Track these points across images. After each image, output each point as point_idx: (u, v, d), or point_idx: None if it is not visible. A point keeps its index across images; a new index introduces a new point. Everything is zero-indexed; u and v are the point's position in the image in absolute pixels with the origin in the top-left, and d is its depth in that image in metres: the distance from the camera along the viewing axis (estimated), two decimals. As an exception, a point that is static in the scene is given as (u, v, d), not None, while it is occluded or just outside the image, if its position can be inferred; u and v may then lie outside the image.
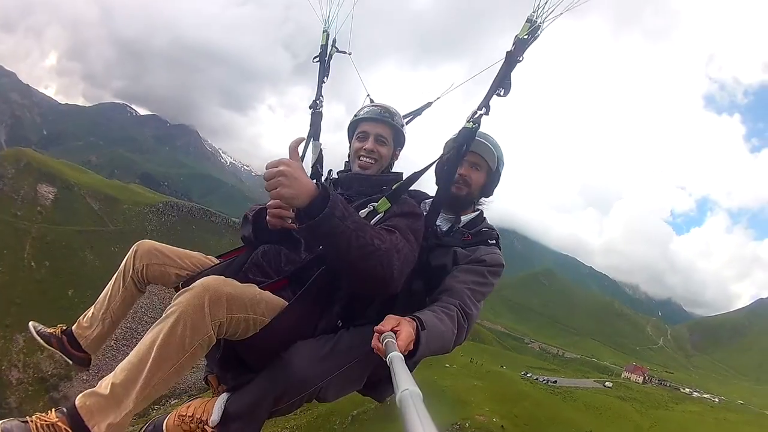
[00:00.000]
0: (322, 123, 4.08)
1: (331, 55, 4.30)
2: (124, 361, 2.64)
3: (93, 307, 3.55)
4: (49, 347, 3.46)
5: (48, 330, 3.52)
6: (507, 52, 3.17)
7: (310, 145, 4.01)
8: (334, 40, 4.30)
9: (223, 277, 2.86)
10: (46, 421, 2.51)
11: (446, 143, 3.59)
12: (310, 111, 4.13)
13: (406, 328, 2.63)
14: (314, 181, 2.79)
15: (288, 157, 2.64)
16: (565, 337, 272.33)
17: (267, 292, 2.99)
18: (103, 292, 3.54)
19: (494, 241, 3.60)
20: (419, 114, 4.08)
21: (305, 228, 2.68)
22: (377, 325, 2.76)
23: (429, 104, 4.01)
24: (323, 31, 4.29)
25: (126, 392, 2.58)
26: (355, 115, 3.67)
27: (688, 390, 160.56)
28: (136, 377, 2.57)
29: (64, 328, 3.54)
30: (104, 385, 2.59)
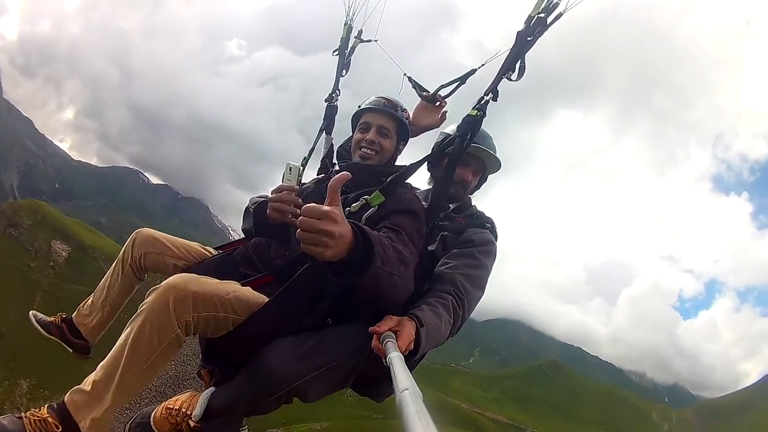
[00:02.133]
0: (336, 117, 4.07)
1: (353, 48, 4.28)
2: (105, 359, 2.73)
3: (92, 295, 3.64)
4: (50, 335, 3.55)
5: (48, 319, 3.62)
6: (518, 31, 3.04)
7: (322, 138, 4.02)
8: (360, 32, 4.28)
9: (193, 274, 2.84)
10: (38, 416, 2.62)
11: (441, 133, 3.66)
12: (325, 103, 4.10)
13: (407, 327, 2.60)
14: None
15: (329, 200, 2.16)
16: (568, 427, 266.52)
17: (245, 289, 2.91)
18: (103, 279, 3.63)
19: (490, 226, 3.65)
20: (464, 82, 3.80)
21: (343, 281, 2.41)
22: (368, 321, 2.75)
23: (473, 71, 3.73)
24: (344, 24, 4.27)
25: (105, 389, 2.64)
26: (359, 106, 3.57)
27: None
28: (112, 375, 2.63)
29: (64, 316, 3.64)
30: (87, 382, 2.68)
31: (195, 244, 3.71)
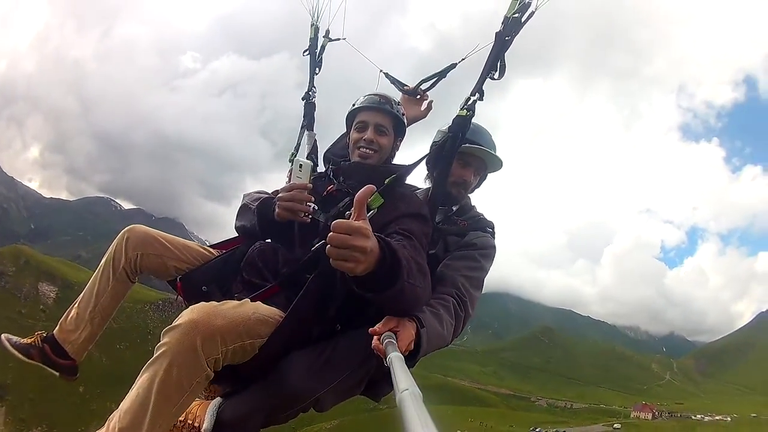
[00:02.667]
0: (316, 114, 4.14)
1: (323, 47, 4.33)
2: (127, 403, 2.55)
3: (75, 306, 3.31)
4: (30, 360, 3.18)
5: (25, 341, 3.24)
6: (496, 32, 3.12)
7: (305, 136, 4.05)
8: (327, 31, 4.34)
9: (212, 303, 2.68)
10: None
11: (439, 131, 3.64)
12: (303, 102, 4.15)
13: (407, 328, 2.59)
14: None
15: (357, 214, 2.18)
16: (571, 390, 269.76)
17: (261, 306, 2.83)
18: (87, 287, 3.32)
19: (491, 230, 3.66)
20: (444, 76, 3.97)
21: (370, 296, 2.44)
22: (374, 324, 2.73)
23: (453, 65, 3.87)
24: (311, 25, 4.32)
25: None
26: (353, 104, 3.51)
27: (699, 416, 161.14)
28: (141, 421, 2.49)
29: (44, 335, 3.28)
30: (111, 427, 2.54)
31: (193, 244, 3.46)
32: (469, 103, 3.12)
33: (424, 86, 4.05)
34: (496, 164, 3.72)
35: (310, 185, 3.16)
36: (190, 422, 2.87)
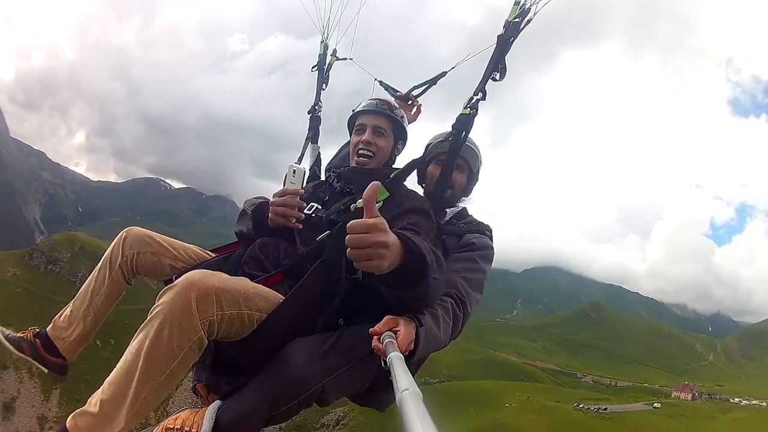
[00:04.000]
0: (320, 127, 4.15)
1: (330, 65, 4.38)
2: (112, 374, 2.46)
3: (71, 304, 3.19)
4: (20, 354, 3.05)
5: (18, 334, 3.12)
6: (498, 35, 3.16)
7: (309, 148, 4.06)
8: (335, 50, 4.41)
9: (210, 270, 2.64)
10: None
11: (430, 142, 3.70)
12: (308, 115, 4.18)
13: (406, 327, 2.56)
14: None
15: (368, 212, 2.13)
16: (616, 367, 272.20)
17: (261, 286, 2.79)
18: (84, 286, 3.21)
19: (488, 233, 3.67)
20: (434, 83, 4.03)
21: (399, 293, 2.49)
22: (379, 319, 2.71)
23: (444, 73, 3.90)
24: (321, 42, 4.37)
25: (116, 408, 2.41)
26: (353, 109, 3.59)
27: (737, 399, 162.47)
28: (125, 391, 2.39)
29: (37, 330, 3.16)
30: (93, 402, 2.43)
31: (193, 247, 3.44)
32: (473, 102, 3.16)
33: (415, 92, 4.15)
34: (473, 156, 3.74)
35: (302, 191, 3.29)
36: (187, 429, 2.72)
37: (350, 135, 3.64)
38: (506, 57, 3.13)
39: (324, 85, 4.33)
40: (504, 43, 3.11)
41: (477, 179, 3.85)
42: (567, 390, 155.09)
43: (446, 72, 3.93)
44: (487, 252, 3.50)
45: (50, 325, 3.19)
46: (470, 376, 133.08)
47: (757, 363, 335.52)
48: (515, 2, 3.12)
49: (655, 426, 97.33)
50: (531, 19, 3.10)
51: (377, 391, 3.12)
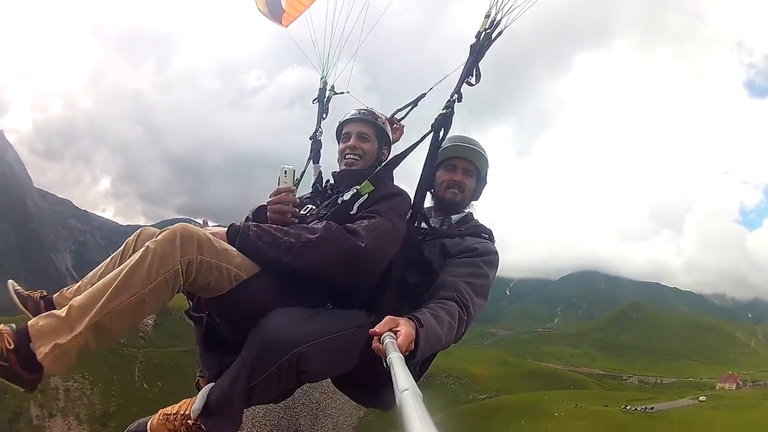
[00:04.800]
0: (321, 150, 4.35)
1: (329, 98, 4.66)
2: (90, 287, 2.61)
3: (80, 281, 3.31)
4: (24, 309, 3.14)
5: (26, 291, 3.24)
6: (471, 44, 3.43)
7: (311, 167, 4.28)
8: (333, 86, 4.69)
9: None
10: None
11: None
12: (310, 140, 4.41)
13: (406, 328, 2.61)
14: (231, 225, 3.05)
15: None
16: (661, 365, 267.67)
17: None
18: (93, 270, 3.39)
19: (487, 236, 3.73)
20: (416, 105, 4.22)
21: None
22: (369, 307, 3.01)
23: (423, 95, 4.04)
24: (321, 78, 4.68)
25: (81, 314, 2.48)
26: (339, 121, 3.83)
27: None
28: (95, 301, 2.48)
29: (45, 294, 3.29)
30: (64, 307, 2.52)
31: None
32: (450, 102, 3.38)
33: (399, 116, 4.32)
34: (482, 161, 3.89)
35: (294, 188, 3.47)
36: (183, 412, 2.86)
37: (338, 143, 3.86)
38: (480, 63, 3.45)
39: (324, 114, 4.61)
40: (476, 51, 3.43)
41: (485, 183, 4.00)
42: (614, 393, 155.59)
43: (425, 94, 4.13)
44: (491, 257, 3.60)
45: (57, 293, 3.29)
46: (517, 389, 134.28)
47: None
48: (486, 15, 3.43)
49: (701, 420, 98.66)
50: (502, 32, 3.41)
51: (379, 387, 3.23)
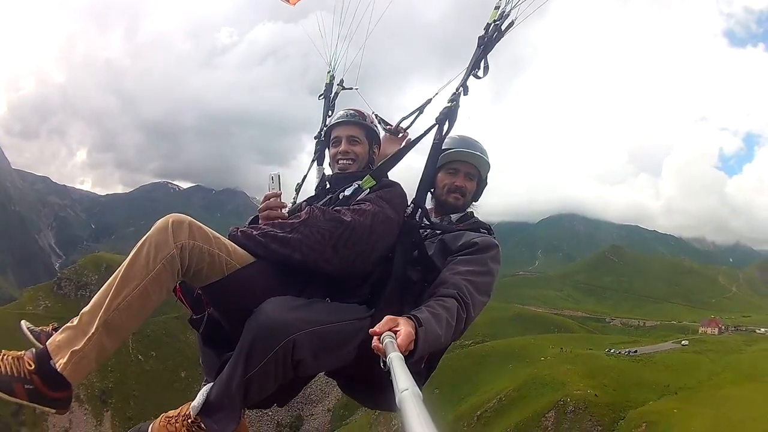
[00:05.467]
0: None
1: (337, 94, 4.59)
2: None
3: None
4: (39, 343, 3.09)
5: (38, 328, 3.32)
6: (479, 36, 3.33)
7: (314, 169, 4.31)
8: (341, 80, 4.60)
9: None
10: (14, 355, 2.50)
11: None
12: (314, 140, 4.41)
13: (406, 327, 2.58)
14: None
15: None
16: (643, 307, 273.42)
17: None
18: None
19: (486, 231, 3.69)
20: (422, 112, 3.96)
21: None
22: (369, 302, 2.98)
23: (429, 101, 3.85)
24: (328, 73, 4.62)
25: (91, 317, 2.53)
26: (327, 123, 3.86)
27: (763, 330, 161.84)
28: (101, 302, 2.54)
29: (56, 326, 3.08)
30: (76, 318, 2.59)
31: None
32: (455, 95, 3.32)
33: (404, 124, 4.12)
34: (483, 165, 3.86)
35: (281, 192, 3.44)
36: (184, 413, 2.89)
37: (329, 147, 3.83)
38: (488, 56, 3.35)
39: (330, 112, 4.51)
40: (485, 43, 3.32)
41: (486, 185, 3.98)
42: (598, 336, 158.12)
43: (431, 99, 3.89)
44: (493, 252, 3.52)
45: (68, 323, 3.06)
46: (504, 333, 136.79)
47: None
48: (495, 6, 3.33)
49: (684, 363, 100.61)
50: (513, 23, 3.29)
51: (386, 391, 2.81)
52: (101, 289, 2.65)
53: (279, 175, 3.55)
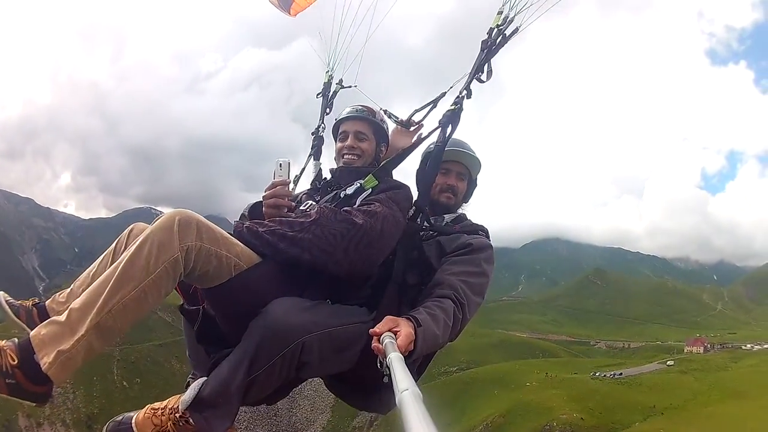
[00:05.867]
0: (323, 147, 4.27)
1: (335, 93, 4.55)
2: (90, 286, 2.50)
3: (72, 285, 3.20)
4: (17, 319, 2.99)
5: (18, 301, 3.09)
6: (482, 40, 3.32)
7: (311, 164, 4.27)
8: (341, 80, 4.56)
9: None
10: None
11: (427, 150, 3.57)
12: (312, 135, 4.36)
13: (406, 328, 2.59)
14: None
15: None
16: (627, 329, 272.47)
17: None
18: (86, 270, 3.23)
19: (483, 233, 3.68)
20: (435, 106, 3.93)
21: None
22: (369, 304, 2.98)
23: (443, 94, 3.78)
24: (326, 72, 4.60)
25: (82, 316, 2.38)
26: (336, 118, 3.75)
27: (749, 345, 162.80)
28: (94, 300, 2.39)
29: (37, 301, 3.15)
30: (64, 312, 2.43)
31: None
32: (458, 98, 3.29)
33: (417, 117, 4.07)
34: (475, 164, 3.88)
35: (289, 180, 3.38)
36: (171, 406, 2.79)
37: (335, 142, 3.78)
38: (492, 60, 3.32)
39: (328, 110, 4.54)
40: (488, 47, 3.30)
41: (476, 185, 3.98)
42: (583, 360, 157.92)
43: (445, 93, 3.80)
44: (487, 253, 3.53)
45: (49, 299, 3.17)
46: (489, 359, 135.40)
47: (765, 306, 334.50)
48: (498, 11, 3.32)
49: (670, 384, 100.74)
50: (517, 29, 3.28)
51: (378, 391, 3.17)
52: (95, 283, 2.50)
53: (289, 162, 3.44)
